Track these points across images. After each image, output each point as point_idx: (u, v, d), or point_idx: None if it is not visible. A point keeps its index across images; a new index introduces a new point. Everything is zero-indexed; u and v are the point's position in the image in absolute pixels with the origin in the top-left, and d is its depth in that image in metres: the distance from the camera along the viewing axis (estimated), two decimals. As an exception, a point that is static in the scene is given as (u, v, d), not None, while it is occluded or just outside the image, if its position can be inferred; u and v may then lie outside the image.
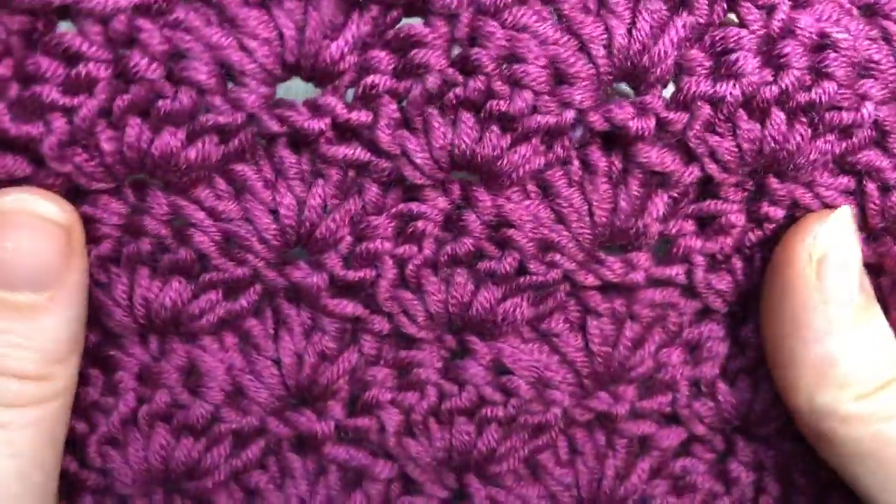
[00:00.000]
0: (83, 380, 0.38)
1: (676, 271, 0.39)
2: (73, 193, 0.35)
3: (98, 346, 0.38)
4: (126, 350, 0.39)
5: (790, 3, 0.35)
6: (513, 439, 0.40)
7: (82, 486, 0.39)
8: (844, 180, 0.38)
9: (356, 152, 0.36)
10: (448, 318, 0.39)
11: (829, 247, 0.36)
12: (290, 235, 0.37)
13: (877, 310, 0.37)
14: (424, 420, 0.40)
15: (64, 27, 0.34)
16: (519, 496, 0.41)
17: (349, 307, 0.38)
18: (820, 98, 0.36)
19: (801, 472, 0.42)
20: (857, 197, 0.38)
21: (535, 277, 0.38)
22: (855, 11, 0.36)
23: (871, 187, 0.38)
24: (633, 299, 0.40)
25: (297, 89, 0.37)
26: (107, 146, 0.34)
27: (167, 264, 0.37)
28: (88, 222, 0.36)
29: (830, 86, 0.35)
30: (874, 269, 0.39)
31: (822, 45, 0.35)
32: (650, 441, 0.42)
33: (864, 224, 0.39)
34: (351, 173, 0.37)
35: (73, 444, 0.38)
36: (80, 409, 0.38)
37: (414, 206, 0.37)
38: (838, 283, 0.36)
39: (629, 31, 0.35)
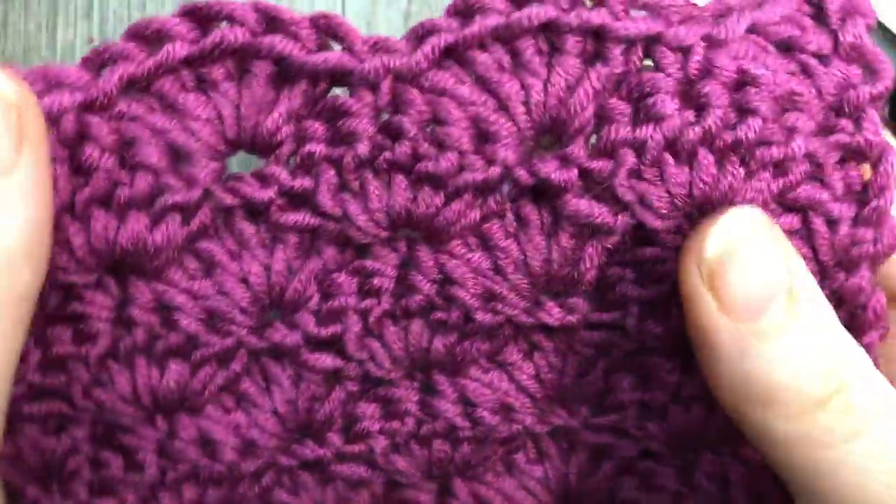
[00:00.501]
0: (102, 464, 0.42)
1: (614, 317, 0.40)
2: (63, 295, 0.39)
3: (109, 437, 0.42)
4: (139, 434, 0.42)
5: (705, 44, 0.36)
6: (485, 450, 0.43)
7: None
8: (788, 219, 0.37)
9: (305, 218, 0.39)
10: (411, 361, 0.41)
11: (721, 256, 0.32)
12: (264, 300, 0.40)
13: (807, 308, 0.32)
14: (407, 442, 0.43)
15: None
16: (498, 489, 0.44)
17: (327, 360, 0.41)
18: (746, 135, 0.36)
19: (771, 484, 0.41)
20: (804, 235, 0.38)
21: (482, 324, 0.40)
22: (771, 48, 0.36)
23: (817, 223, 0.37)
24: (574, 340, 0.41)
25: (249, 160, 0.40)
26: (75, 240, 0.37)
27: (162, 350, 0.40)
28: (82, 321, 0.39)
29: (755, 122, 0.36)
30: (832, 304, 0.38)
31: (741, 81, 0.36)
32: (609, 450, 0.43)
33: (815, 262, 0.38)
34: (307, 236, 0.40)
35: None
36: (105, 488, 0.42)
37: (368, 263, 0.40)
38: (740, 295, 0.31)
39: (545, 87, 0.36)
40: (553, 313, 0.40)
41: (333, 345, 0.41)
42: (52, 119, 0.36)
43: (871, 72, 0.37)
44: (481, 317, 0.40)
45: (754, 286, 0.31)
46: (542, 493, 0.45)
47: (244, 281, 0.40)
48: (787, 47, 0.36)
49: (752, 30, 0.36)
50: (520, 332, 0.42)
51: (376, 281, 0.40)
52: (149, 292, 0.39)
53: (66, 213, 0.37)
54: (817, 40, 0.36)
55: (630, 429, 0.42)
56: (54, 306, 0.39)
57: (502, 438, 0.43)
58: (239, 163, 0.41)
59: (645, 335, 0.40)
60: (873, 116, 0.36)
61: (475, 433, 0.42)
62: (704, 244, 0.32)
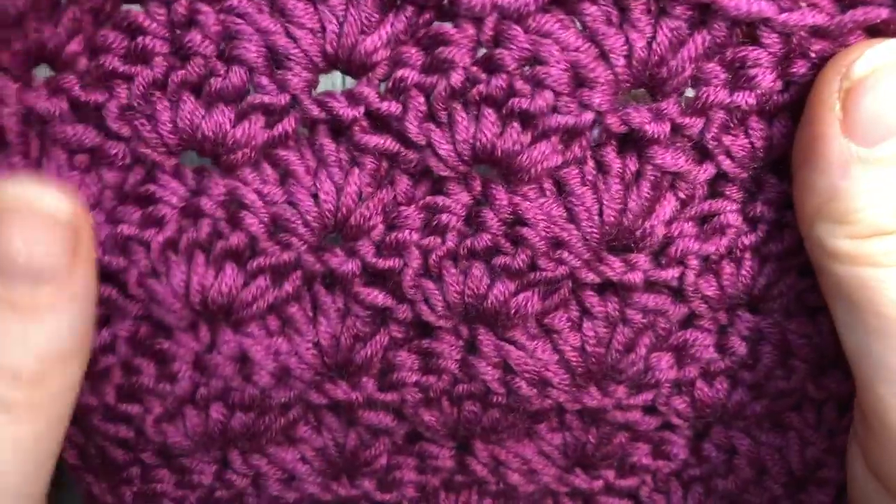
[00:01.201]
0: (134, 370, 0.42)
1: (672, 274, 0.40)
2: (140, 175, 0.39)
3: (148, 339, 0.42)
4: (179, 341, 0.42)
5: (809, 32, 0.36)
6: (511, 418, 0.43)
7: (142, 450, 0.44)
8: None
9: (387, 142, 0.39)
10: (464, 308, 0.41)
11: (866, 77, 0.33)
12: (329, 220, 0.40)
13: None
14: (438, 398, 0.43)
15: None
16: (516, 453, 0.45)
17: (378, 297, 0.41)
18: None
19: (773, 460, 0.44)
20: None
21: (544, 273, 0.40)
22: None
23: None
24: (628, 303, 0.41)
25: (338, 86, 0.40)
26: (162, 115, 0.38)
27: (220, 251, 0.40)
28: (153, 203, 0.40)
29: None
30: None
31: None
32: (631, 425, 0.44)
33: None
34: (384, 164, 0.40)
35: (129, 422, 0.43)
36: (133, 394, 0.42)
37: (440, 199, 0.40)
38: (866, 119, 0.33)
39: (649, 45, 0.37)
40: (615, 267, 0.40)
41: (388, 281, 0.41)
42: (167, 1, 0.37)
43: None
44: (545, 263, 0.39)
45: (879, 117, 0.33)
46: (558, 458, 0.45)
47: (314, 196, 0.39)
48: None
49: (873, 28, 0.35)
50: (574, 295, 0.41)
51: (444, 217, 0.40)
52: (222, 185, 0.39)
53: (158, 89, 0.37)
54: None
55: (659, 406, 0.43)
56: (130, 184, 0.39)
57: (532, 411, 0.43)
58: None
59: (697, 295, 0.40)
60: None
61: (508, 401, 0.42)
62: (855, 62, 0.33)
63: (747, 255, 0.40)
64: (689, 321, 0.42)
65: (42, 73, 0.38)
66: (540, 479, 0.46)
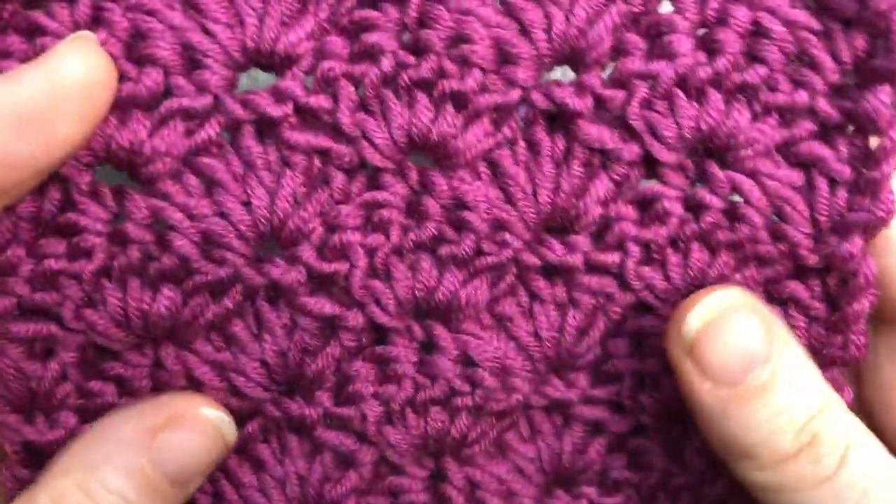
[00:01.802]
0: (95, 394, 0.39)
1: (612, 258, 0.40)
2: (58, 202, 0.37)
3: (98, 364, 0.39)
4: (130, 362, 0.39)
5: None
6: (482, 424, 0.41)
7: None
8: (790, 173, 0.39)
9: (318, 138, 0.38)
10: (416, 304, 0.40)
11: (703, 329, 0.35)
12: (265, 228, 0.38)
13: (784, 373, 0.35)
14: (402, 410, 0.40)
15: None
16: (491, 473, 0.42)
17: (326, 306, 0.39)
18: (752, 79, 0.38)
19: None
20: (806, 192, 0.39)
21: (489, 258, 0.39)
22: (798, 3, 0.38)
23: (819, 181, 0.39)
24: (573, 285, 0.40)
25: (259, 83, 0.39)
26: None
27: (155, 273, 0.37)
28: (77, 233, 0.37)
29: (762, 68, 0.38)
30: (822, 272, 0.40)
31: (755, 31, 0.38)
32: (603, 424, 0.42)
33: (811, 222, 0.39)
34: (317, 162, 0.38)
35: None
36: (98, 415, 0.39)
37: (378, 194, 0.39)
38: (719, 364, 0.35)
39: (567, 18, 0.38)
40: (555, 249, 0.40)
41: (335, 286, 0.39)
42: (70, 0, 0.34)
43: (888, 48, 0.38)
44: (489, 247, 0.39)
45: (730, 359, 0.35)
46: (534, 474, 0.43)
47: (246, 204, 0.38)
48: (821, 6, 0.38)
49: None
50: (520, 280, 0.41)
51: (385, 212, 0.39)
52: (145, 207, 0.37)
53: None
54: (847, 4, 0.38)
55: (625, 400, 0.42)
56: (49, 214, 0.37)
57: (499, 410, 0.41)
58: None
59: (641, 283, 0.40)
60: (886, 90, 0.38)
61: (474, 400, 0.40)
62: (687, 319, 0.36)
63: (694, 247, 0.40)
64: (643, 309, 0.41)
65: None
66: (520, 501, 0.42)
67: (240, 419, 0.40)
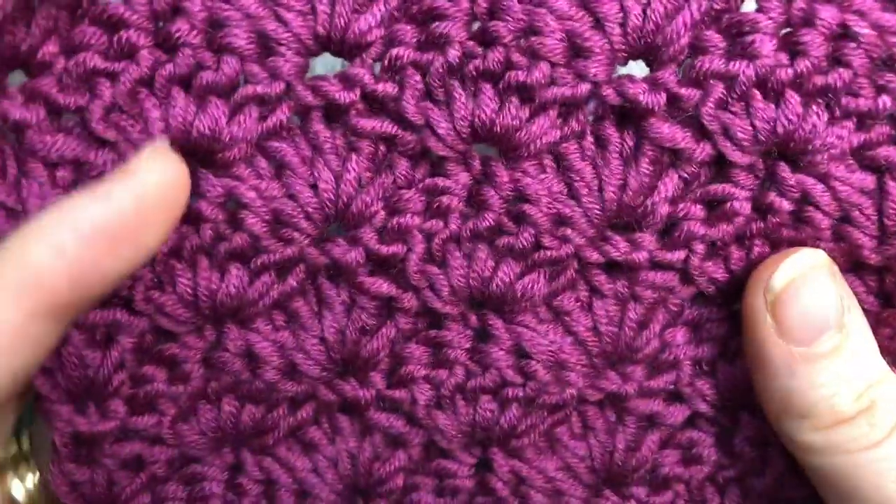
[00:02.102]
0: (147, 379, 0.40)
1: (677, 256, 0.39)
2: None
3: (155, 345, 0.40)
4: (186, 345, 0.41)
5: None
6: (532, 417, 0.41)
7: (155, 461, 0.41)
8: (863, 177, 0.38)
9: (384, 125, 0.38)
10: (470, 293, 0.40)
11: (786, 288, 0.37)
12: (330, 210, 0.39)
13: (852, 341, 0.37)
14: (452, 396, 0.41)
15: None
16: (539, 469, 0.42)
17: (383, 286, 0.40)
18: (835, 82, 0.36)
19: None
20: (876, 196, 0.38)
21: (548, 252, 0.39)
22: (891, 7, 0.36)
23: (891, 185, 0.38)
24: (635, 281, 0.40)
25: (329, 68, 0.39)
26: (152, 114, 0.36)
27: (224, 253, 0.39)
28: None
29: (846, 73, 0.36)
30: (881, 270, 0.39)
31: (841, 34, 0.36)
32: (657, 418, 0.42)
33: (879, 225, 0.38)
34: (381, 148, 0.39)
35: (144, 434, 0.41)
36: (148, 402, 0.41)
37: (440, 180, 0.39)
38: (797, 324, 0.36)
39: (644, 12, 0.36)
40: (620, 247, 0.39)
41: (393, 268, 0.40)
42: None
43: None
44: (549, 241, 0.39)
45: (809, 319, 0.37)
46: (585, 473, 0.43)
47: (313, 187, 0.39)
48: None
49: None
50: (581, 275, 0.41)
51: (445, 199, 0.39)
52: (219, 186, 0.38)
53: (145, 88, 0.36)
54: None
55: (683, 387, 0.41)
56: None
57: (552, 403, 0.41)
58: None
59: (704, 278, 0.40)
60: None
61: (525, 392, 0.41)
62: (773, 276, 0.37)
63: (757, 242, 0.39)
64: (700, 297, 0.41)
65: (17, 80, 0.37)
66: (567, 502, 0.42)
67: (292, 406, 0.42)
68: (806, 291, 0.37)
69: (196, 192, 0.38)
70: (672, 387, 0.42)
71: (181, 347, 0.40)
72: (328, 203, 0.39)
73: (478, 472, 0.43)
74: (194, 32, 0.36)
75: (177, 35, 0.36)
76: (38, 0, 0.35)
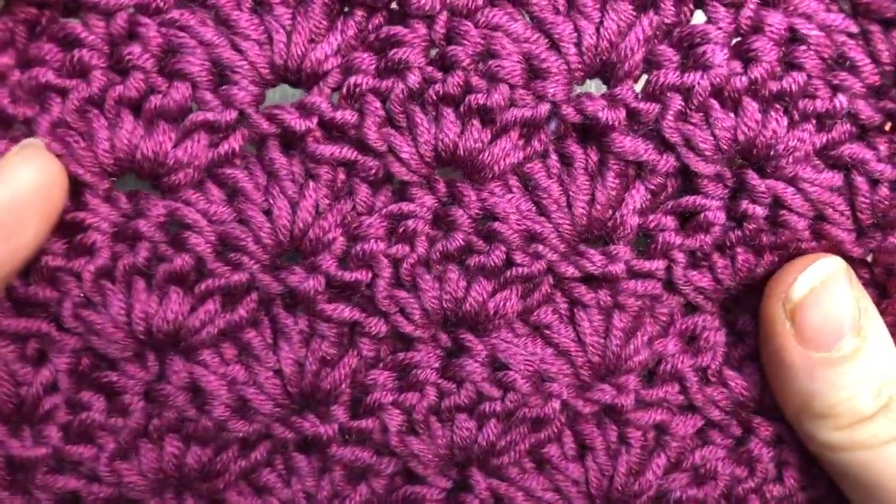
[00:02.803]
0: (83, 406, 0.38)
1: (657, 266, 0.39)
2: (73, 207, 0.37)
3: (94, 369, 0.38)
4: (126, 373, 0.38)
5: (758, 1, 0.37)
6: (513, 433, 0.39)
7: (94, 500, 0.38)
8: (830, 175, 0.38)
9: (343, 151, 0.37)
10: (443, 314, 0.39)
11: (805, 297, 0.37)
12: (284, 236, 0.38)
13: (870, 343, 0.38)
14: (426, 419, 0.39)
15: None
16: (522, 488, 0.40)
17: (346, 311, 0.38)
18: (790, 86, 0.37)
19: None
20: (846, 193, 0.38)
21: (521, 269, 0.38)
22: (834, 7, 0.37)
23: (859, 181, 0.38)
24: (617, 290, 0.39)
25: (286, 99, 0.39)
26: (99, 134, 0.36)
27: (163, 275, 0.37)
28: (81, 230, 0.37)
29: (800, 76, 0.37)
30: (866, 263, 0.40)
31: (791, 38, 0.37)
32: (665, 429, 0.40)
33: (854, 220, 0.39)
34: (341, 174, 0.38)
35: (80, 465, 0.38)
36: (83, 434, 0.38)
37: (403, 205, 0.38)
38: (816, 330, 0.37)
39: (597, 31, 0.37)
40: (595, 260, 0.39)
41: (355, 294, 0.39)
42: (106, 13, 0.35)
43: None
44: (521, 258, 0.38)
45: (828, 326, 0.37)
46: (578, 498, 0.40)
47: (267, 213, 0.37)
48: (855, 10, 0.37)
49: None
50: (559, 289, 0.40)
51: (411, 223, 0.38)
52: (161, 206, 0.37)
53: (95, 107, 0.36)
54: (887, 5, 0.37)
55: (693, 396, 0.40)
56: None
57: (534, 417, 0.39)
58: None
59: (689, 287, 0.39)
60: None
61: (505, 405, 0.39)
62: (792, 287, 0.38)
63: (739, 250, 0.39)
64: (692, 308, 0.41)
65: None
66: None
67: (244, 447, 0.39)
68: (825, 300, 0.37)
69: (135, 212, 0.37)
70: (681, 398, 0.41)
71: (120, 376, 0.38)
72: (283, 229, 0.37)
73: (451, 495, 0.40)
74: (146, 56, 0.36)
75: (129, 58, 0.35)
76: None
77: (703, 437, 0.41)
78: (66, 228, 0.37)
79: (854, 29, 0.37)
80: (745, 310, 0.41)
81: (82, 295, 0.37)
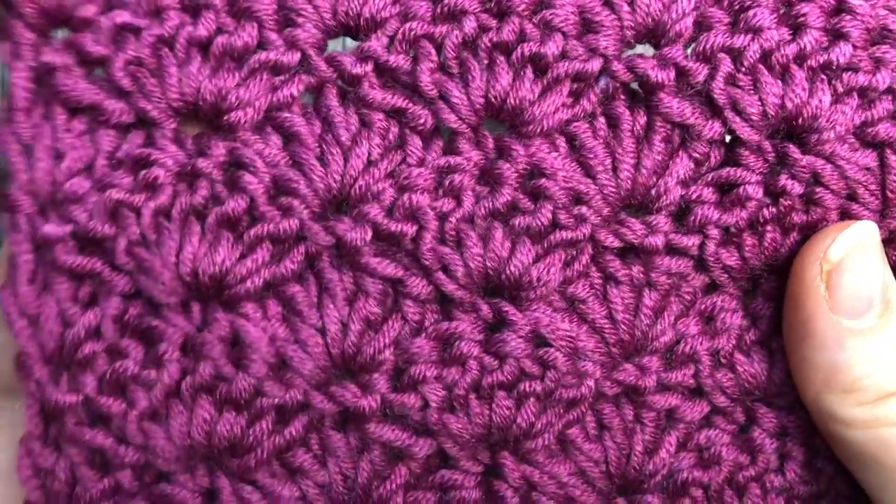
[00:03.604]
0: (119, 355, 0.37)
1: (692, 241, 0.39)
2: (142, 143, 0.37)
3: (138, 318, 0.37)
4: (168, 320, 0.37)
5: None
6: (549, 414, 0.39)
7: (121, 464, 0.37)
8: (865, 154, 0.38)
9: (396, 98, 0.38)
10: (486, 276, 0.38)
11: (842, 259, 0.37)
12: (335, 184, 0.38)
13: (894, 315, 0.37)
14: (466, 396, 0.38)
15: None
16: (550, 474, 0.39)
17: (390, 267, 0.38)
18: (837, 58, 0.37)
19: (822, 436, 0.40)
20: (878, 172, 0.38)
21: (566, 233, 0.38)
22: None
23: (893, 160, 0.38)
24: (651, 266, 0.39)
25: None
26: (169, 71, 0.37)
27: (216, 217, 0.37)
28: (146, 166, 0.37)
29: (847, 47, 0.37)
30: (886, 242, 0.39)
31: (838, 9, 0.38)
32: (676, 413, 0.40)
33: (881, 196, 0.39)
34: (394, 126, 0.39)
35: (110, 422, 0.37)
36: (117, 385, 0.37)
37: (451, 158, 0.38)
38: (849, 296, 0.36)
39: None
40: (636, 229, 0.39)
41: (400, 250, 0.38)
42: None
43: None
44: (566, 219, 0.38)
45: (861, 291, 0.37)
46: (599, 478, 0.40)
47: (319, 159, 0.38)
48: None
49: None
50: (594, 263, 0.39)
51: (458, 177, 0.38)
52: (222, 146, 0.37)
53: (166, 47, 0.37)
54: None
55: (704, 380, 0.40)
56: (125, 150, 0.37)
57: (569, 398, 0.38)
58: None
59: (718, 265, 0.39)
60: None
61: (544, 385, 0.38)
62: (830, 247, 0.37)
63: (769, 228, 0.39)
64: (712, 288, 0.40)
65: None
66: None
67: (279, 418, 0.38)
68: (861, 264, 0.37)
69: (200, 151, 0.38)
70: (692, 381, 0.40)
71: (162, 322, 0.37)
72: (335, 174, 0.38)
73: (484, 479, 0.39)
74: None
75: None
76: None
77: (709, 421, 0.40)
78: (133, 164, 0.37)
79: (894, 4, 0.38)
80: (762, 293, 0.40)
81: (139, 232, 0.37)
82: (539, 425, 0.38)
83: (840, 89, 0.38)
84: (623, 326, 0.39)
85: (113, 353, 0.37)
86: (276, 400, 0.37)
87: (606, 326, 0.39)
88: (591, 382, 0.39)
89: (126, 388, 0.37)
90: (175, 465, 0.37)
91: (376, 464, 0.38)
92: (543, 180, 0.38)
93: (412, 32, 0.38)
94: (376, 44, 0.38)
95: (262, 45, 0.37)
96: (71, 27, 0.37)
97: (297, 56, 0.37)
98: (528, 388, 0.38)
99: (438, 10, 0.38)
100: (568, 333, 0.38)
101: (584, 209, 0.38)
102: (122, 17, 0.37)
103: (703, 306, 0.40)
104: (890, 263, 0.39)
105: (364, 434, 0.38)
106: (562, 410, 0.39)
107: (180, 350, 0.37)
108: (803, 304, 0.37)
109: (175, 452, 0.37)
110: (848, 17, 0.37)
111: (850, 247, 0.37)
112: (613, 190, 0.38)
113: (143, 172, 0.37)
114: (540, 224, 0.38)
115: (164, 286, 0.37)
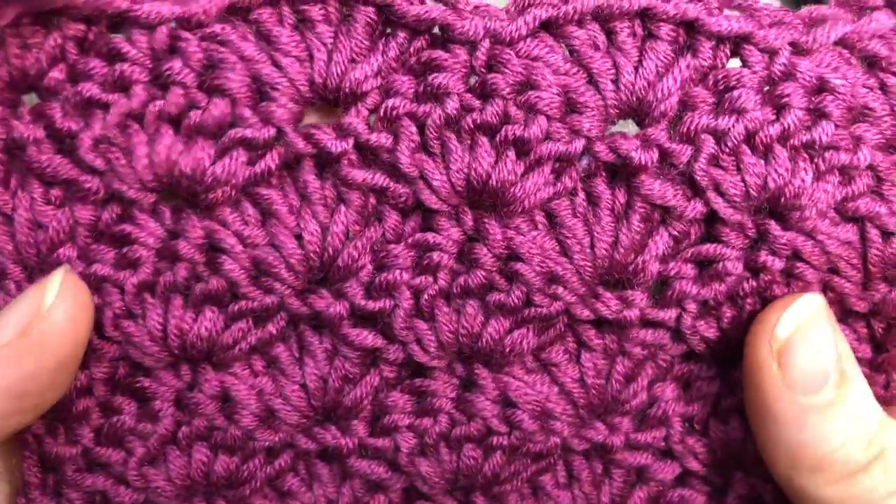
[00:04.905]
0: (115, 410, 0.39)
1: (669, 315, 0.39)
2: (117, 213, 0.37)
3: (129, 377, 0.39)
4: (160, 380, 0.39)
5: (791, 48, 0.37)
6: (515, 465, 0.41)
7: (127, 495, 0.40)
8: (846, 228, 0.39)
9: (376, 177, 0.37)
10: (458, 347, 0.39)
11: (790, 336, 0.36)
12: (314, 262, 0.38)
13: (853, 387, 0.36)
14: (436, 444, 0.40)
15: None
16: None
17: (368, 338, 0.39)
18: (819, 137, 0.37)
19: None
20: (859, 245, 0.39)
21: (539, 310, 0.39)
22: (854, 61, 0.38)
23: (872, 233, 0.39)
24: (625, 337, 0.40)
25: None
26: (139, 149, 0.36)
27: (199, 294, 0.38)
28: (128, 243, 0.37)
29: (829, 126, 0.37)
30: (864, 317, 0.40)
31: (820, 88, 0.37)
32: (646, 472, 0.42)
33: (863, 270, 0.39)
34: (372, 200, 0.38)
35: (109, 468, 0.39)
36: (115, 437, 0.39)
37: (430, 236, 0.38)
38: (803, 372, 0.36)
39: (636, 69, 0.37)
40: (611, 305, 0.39)
41: (378, 322, 0.39)
42: (148, 27, 0.35)
43: None
44: (540, 299, 0.38)
45: (815, 366, 0.36)
46: None
47: (298, 237, 0.38)
48: (871, 63, 0.38)
49: (841, 42, 0.38)
50: (570, 329, 0.40)
51: (436, 256, 0.38)
52: (200, 228, 0.37)
53: (135, 122, 0.36)
54: None
55: (674, 444, 0.41)
56: (105, 221, 0.37)
57: (536, 452, 0.41)
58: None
59: (696, 337, 0.40)
60: None
61: (510, 440, 0.40)
62: (778, 324, 0.37)
63: (749, 301, 0.39)
64: (690, 356, 0.41)
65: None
66: None
67: (269, 455, 0.40)
68: (810, 338, 0.36)
69: (177, 230, 0.37)
70: (663, 443, 0.41)
71: (153, 381, 0.39)
72: (313, 255, 0.38)
73: None
74: (186, 71, 0.35)
75: (168, 73, 0.35)
76: (48, 28, 0.36)
77: (683, 482, 0.42)
78: (114, 239, 0.37)
79: (872, 82, 0.38)
80: (740, 363, 0.40)
81: (124, 306, 0.38)
82: (505, 474, 0.41)
83: (822, 167, 0.38)
84: (593, 391, 0.41)
85: (106, 409, 0.39)
86: (266, 443, 0.40)
87: (576, 390, 0.40)
88: (557, 439, 0.40)
89: (123, 439, 0.39)
90: (173, 501, 0.40)
91: (357, 491, 0.42)
92: (519, 265, 0.38)
93: (394, 111, 0.37)
94: (356, 120, 0.37)
95: (234, 123, 0.36)
96: (38, 93, 0.37)
97: (273, 131, 0.36)
98: (494, 442, 0.40)
99: (421, 88, 0.37)
100: (535, 398, 0.40)
101: (559, 289, 0.39)
102: (91, 90, 0.36)
103: (680, 372, 0.41)
104: (877, 336, 0.40)
105: (344, 466, 0.41)
106: (529, 462, 0.41)
107: (174, 405, 0.40)
108: (759, 384, 0.37)
109: (175, 491, 0.40)
110: (829, 96, 0.37)
111: (796, 323, 0.37)
112: (590, 269, 0.39)
113: (125, 249, 0.37)
114: (513, 303, 0.39)
115: (153, 356, 0.38)
